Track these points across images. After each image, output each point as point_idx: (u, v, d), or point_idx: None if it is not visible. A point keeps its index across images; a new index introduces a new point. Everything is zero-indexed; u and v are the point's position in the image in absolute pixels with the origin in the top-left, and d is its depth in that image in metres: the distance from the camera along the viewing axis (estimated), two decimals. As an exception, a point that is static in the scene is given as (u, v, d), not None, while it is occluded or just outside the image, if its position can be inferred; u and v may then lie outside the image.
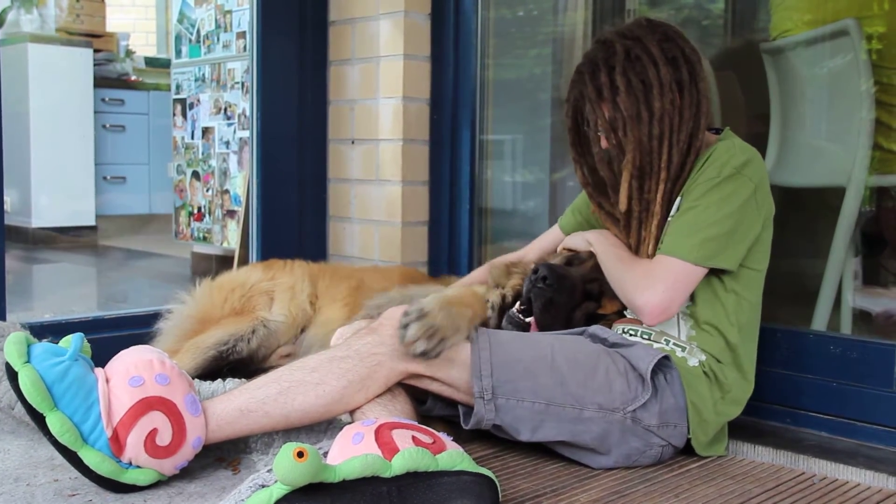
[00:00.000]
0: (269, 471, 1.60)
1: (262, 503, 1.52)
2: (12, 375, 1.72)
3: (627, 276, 2.13)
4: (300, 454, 1.48)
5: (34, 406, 1.70)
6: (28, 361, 1.74)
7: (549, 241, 2.62)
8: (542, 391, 1.96)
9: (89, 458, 1.72)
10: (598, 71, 2.17)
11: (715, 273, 2.11)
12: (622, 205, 2.17)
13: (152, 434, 1.76)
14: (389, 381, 1.94)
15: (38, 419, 1.71)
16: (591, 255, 2.29)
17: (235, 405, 1.87)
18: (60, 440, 1.71)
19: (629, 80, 2.13)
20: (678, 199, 2.16)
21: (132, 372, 1.79)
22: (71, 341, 1.81)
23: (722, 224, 2.06)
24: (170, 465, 1.81)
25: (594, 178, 2.31)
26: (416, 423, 1.76)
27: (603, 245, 2.25)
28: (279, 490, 1.52)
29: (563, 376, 1.97)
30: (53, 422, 1.70)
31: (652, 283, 2.06)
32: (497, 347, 1.97)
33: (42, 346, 1.79)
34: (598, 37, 2.26)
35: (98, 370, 1.81)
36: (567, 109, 2.28)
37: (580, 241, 2.34)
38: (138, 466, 1.77)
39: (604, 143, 2.23)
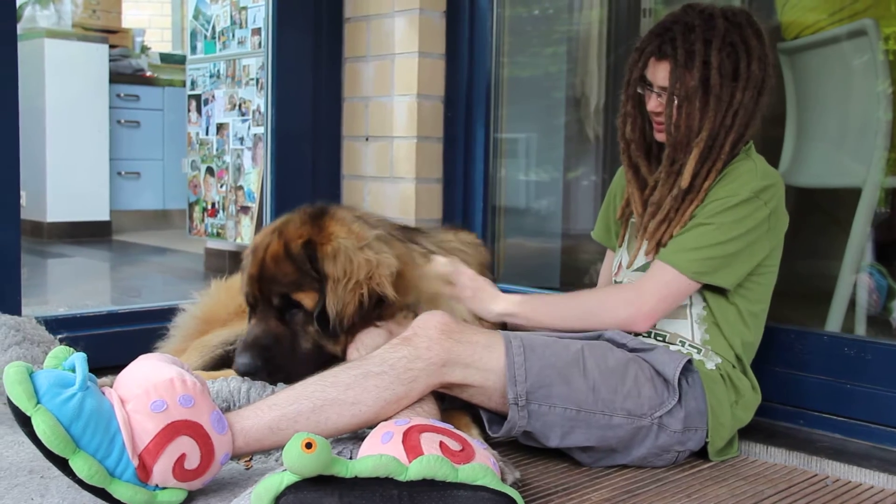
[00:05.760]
0: (284, 471, 1.60)
1: (272, 486, 1.55)
2: (24, 420, 1.57)
3: (606, 300, 2.14)
4: (308, 445, 1.49)
5: (56, 452, 1.57)
6: (39, 402, 1.58)
7: (607, 267, 2.55)
8: (575, 396, 1.94)
9: (120, 492, 1.63)
10: (695, 36, 2.08)
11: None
12: (685, 181, 2.10)
13: (181, 460, 1.66)
14: (424, 393, 1.89)
15: (61, 463, 1.59)
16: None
17: (265, 422, 1.77)
18: (90, 483, 1.60)
19: (722, 62, 2.07)
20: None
21: (153, 395, 1.66)
22: (78, 367, 1.67)
23: (728, 245, 2.05)
24: (198, 484, 1.73)
25: (639, 137, 2.23)
26: (449, 428, 1.72)
27: (534, 303, 2.22)
28: (290, 477, 1.54)
29: (595, 382, 1.95)
30: (80, 466, 1.58)
31: (643, 291, 2.07)
32: (531, 353, 1.94)
33: (47, 379, 1.62)
34: (693, 4, 2.15)
35: (109, 391, 1.69)
36: (636, 59, 2.18)
37: (492, 313, 2.21)
38: (166, 487, 1.69)
39: (655, 106, 2.16)
